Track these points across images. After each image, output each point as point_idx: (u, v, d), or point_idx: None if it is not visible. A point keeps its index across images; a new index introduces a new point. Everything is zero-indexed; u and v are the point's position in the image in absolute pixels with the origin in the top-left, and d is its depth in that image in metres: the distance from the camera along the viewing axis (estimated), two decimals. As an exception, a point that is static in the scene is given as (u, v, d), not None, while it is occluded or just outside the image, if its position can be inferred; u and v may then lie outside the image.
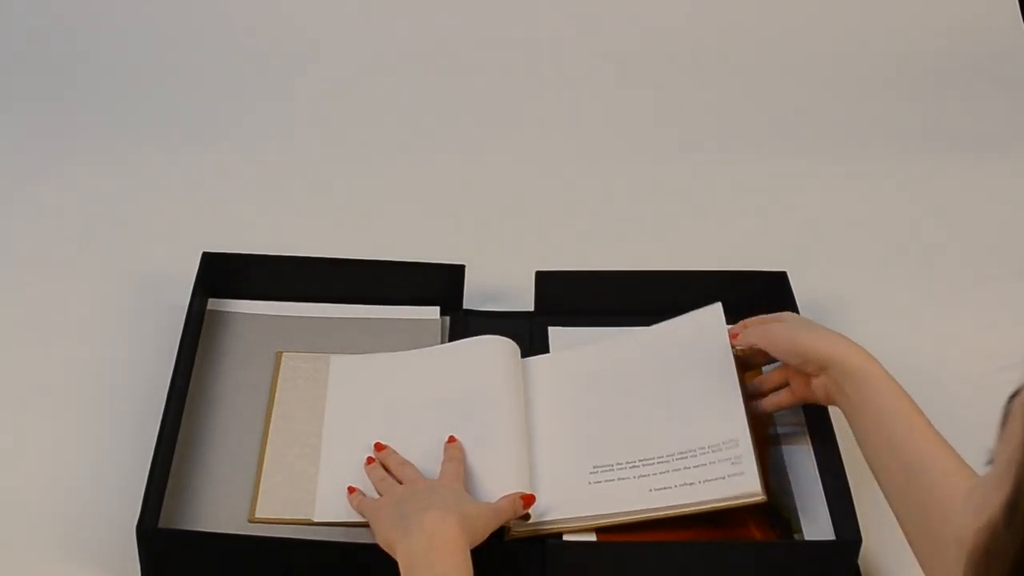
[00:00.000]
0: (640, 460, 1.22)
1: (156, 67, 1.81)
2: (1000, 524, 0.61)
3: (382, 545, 1.10)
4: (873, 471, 1.13)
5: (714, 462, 1.19)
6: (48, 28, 1.84)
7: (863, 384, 1.13)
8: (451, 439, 1.23)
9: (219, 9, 1.86)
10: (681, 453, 1.21)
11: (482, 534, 1.11)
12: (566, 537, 1.19)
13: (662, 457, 1.21)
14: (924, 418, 1.10)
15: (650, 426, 1.25)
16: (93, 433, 1.31)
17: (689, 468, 1.20)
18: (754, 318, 1.28)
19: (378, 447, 1.24)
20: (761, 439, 1.26)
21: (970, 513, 0.65)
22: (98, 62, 1.81)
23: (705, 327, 1.31)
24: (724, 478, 1.18)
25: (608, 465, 1.23)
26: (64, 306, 1.45)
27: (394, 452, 1.23)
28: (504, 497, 1.17)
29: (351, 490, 1.20)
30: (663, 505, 1.18)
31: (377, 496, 1.18)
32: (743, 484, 1.16)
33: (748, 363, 1.30)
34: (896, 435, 1.09)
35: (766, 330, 1.24)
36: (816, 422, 1.28)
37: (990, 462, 0.65)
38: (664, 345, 1.32)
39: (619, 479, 1.21)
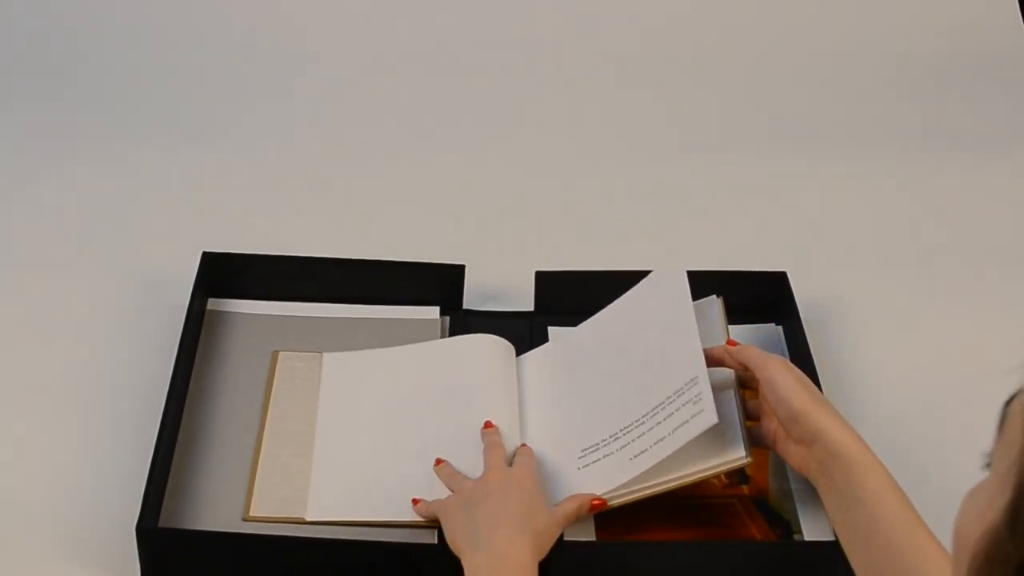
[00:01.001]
0: (620, 430, 1.21)
1: (156, 67, 1.81)
2: (1002, 530, 0.61)
3: (451, 547, 1.09)
4: (855, 561, 1.07)
5: (679, 408, 1.17)
6: (48, 28, 1.84)
7: (853, 472, 1.08)
8: (488, 424, 1.23)
9: (219, 9, 1.86)
10: (653, 410, 1.19)
11: (549, 544, 1.10)
12: (566, 537, 1.19)
13: (638, 420, 1.20)
14: (918, 515, 1.05)
15: (624, 395, 1.24)
16: (93, 433, 1.31)
17: (660, 423, 1.18)
18: (749, 347, 1.22)
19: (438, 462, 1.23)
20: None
21: (970, 518, 0.65)
22: (98, 62, 1.81)
23: (665, 285, 1.30)
24: (688, 420, 1.16)
25: (594, 445, 1.22)
26: (64, 306, 1.45)
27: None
28: (570, 500, 1.16)
29: (415, 501, 1.19)
30: (644, 469, 1.17)
31: (442, 495, 1.18)
32: (703, 420, 1.14)
33: (745, 384, 1.24)
34: (896, 536, 1.03)
35: (766, 362, 1.17)
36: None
37: (987, 465, 0.65)
38: (630, 313, 1.32)
39: (604, 456, 1.21)
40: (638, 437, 1.20)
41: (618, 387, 1.26)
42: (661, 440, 1.17)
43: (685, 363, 1.20)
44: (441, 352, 1.34)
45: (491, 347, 1.33)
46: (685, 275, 1.29)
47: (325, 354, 1.36)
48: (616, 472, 1.19)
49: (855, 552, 1.07)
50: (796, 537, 1.20)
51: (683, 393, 1.18)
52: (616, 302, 1.34)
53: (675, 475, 1.17)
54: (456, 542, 1.09)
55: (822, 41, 1.89)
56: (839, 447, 1.09)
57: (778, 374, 1.16)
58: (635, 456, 1.18)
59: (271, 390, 1.33)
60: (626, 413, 1.22)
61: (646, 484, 1.18)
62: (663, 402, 1.19)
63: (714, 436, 1.18)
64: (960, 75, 1.87)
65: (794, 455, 1.15)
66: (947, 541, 1.04)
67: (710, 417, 1.14)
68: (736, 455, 1.16)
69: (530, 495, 1.13)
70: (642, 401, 1.21)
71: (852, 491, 1.08)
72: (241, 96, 1.78)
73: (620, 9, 1.89)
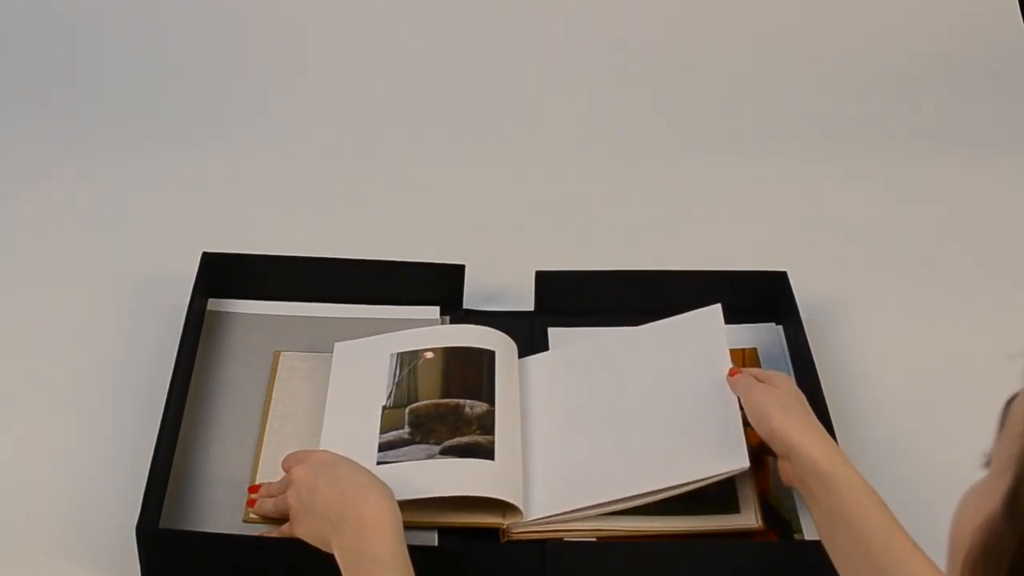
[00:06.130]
0: (649, 491, 1.19)
1: (156, 67, 1.81)
2: (1000, 518, 0.61)
3: (322, 547, 1.10)
4: (841, 570, 1.07)
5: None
6: (48, 28, 1.84)
7: (830, 486, 1.09)
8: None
9: (219, 9, 1.86)
10: (687, 483, 1.19)
11: (390, 490, 1.10)
12: (566, 538, 1.19)
13: (668, 488, 1.19)
14: (898, 524, 1.05)
15: (644, 450, 1.23)
16: (93, 433, 1.31)
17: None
18: (750, 370, 1.23)
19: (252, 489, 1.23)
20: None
21: (967, 513, 0.65)
22: (98, 62, 1.81)
23: (703, 330, 1.30)
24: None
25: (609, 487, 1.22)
26: (64, 306, 1.45)
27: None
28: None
29: (251, 503, 1.20)
30: (648, 489, 1.17)
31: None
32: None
33: None
34: (875, 546, 1.04)
35: (749, 390, 1.19)
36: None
37: (987, 464, 0.65)
38: (661, 346, 1.32)
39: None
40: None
41: (638, 434, 1.24)
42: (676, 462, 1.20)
43: (728, 455, 1.18)
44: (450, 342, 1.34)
45: (496, 346, 1.33)
46: (723, 324, 1.29)
47: (336, 344, 1.36)
48: (621, 481, 1.19)
49: (840, 561, 1.07)
50: (796, 537, 1.21)
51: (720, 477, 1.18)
52: (648, 326, 1.33)
53: (674, 483, 1.18)
54: (324, 538, 1.09)
55: (822, 41, 1.89)
56: (813, 461, 1.10)
57: (756, 399, 1.17)
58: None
59: (272, 391, 1.33)
60: (656, 478, 1.19)
61: (644, 492, 1.18)
62: (699, 479, 1.18)
63: (715, 442, 1.18)
64: (960, 75, 1.87)
65: (783, 469, 1.16)
66: (944, 543, 1.04)
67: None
68: (738, 462, 1.16)
69: (339, 463, 1.13)
70: (675, 474, 1.19)
71: (831, 503, 1.08)
72: (241, 96, 1.78)
73: (620, 9, 1.89)
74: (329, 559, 1.08)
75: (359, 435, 1.25)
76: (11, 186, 1.63)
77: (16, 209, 1.59)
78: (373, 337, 1.35)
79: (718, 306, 1.31)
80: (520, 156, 1.71)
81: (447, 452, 1.22)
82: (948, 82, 1.86)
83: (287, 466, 1.18)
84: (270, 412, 1.31)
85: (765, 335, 1.42)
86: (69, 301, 1.46)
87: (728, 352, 1.27)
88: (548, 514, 1.19)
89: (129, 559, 1.16)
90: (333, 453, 1.16)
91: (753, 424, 1.18)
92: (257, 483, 1.23)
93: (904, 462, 1.31)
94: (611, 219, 1.62)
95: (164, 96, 1.78)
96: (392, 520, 1.06)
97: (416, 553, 1.06)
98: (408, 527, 1.11)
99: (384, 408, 1.27)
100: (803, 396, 1.19)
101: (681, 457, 1.19)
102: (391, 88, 1.81)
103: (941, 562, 1.01)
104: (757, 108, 1.81)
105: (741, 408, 1.22)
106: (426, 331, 1.35)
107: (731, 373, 1.23)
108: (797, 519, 1.22)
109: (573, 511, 1.19)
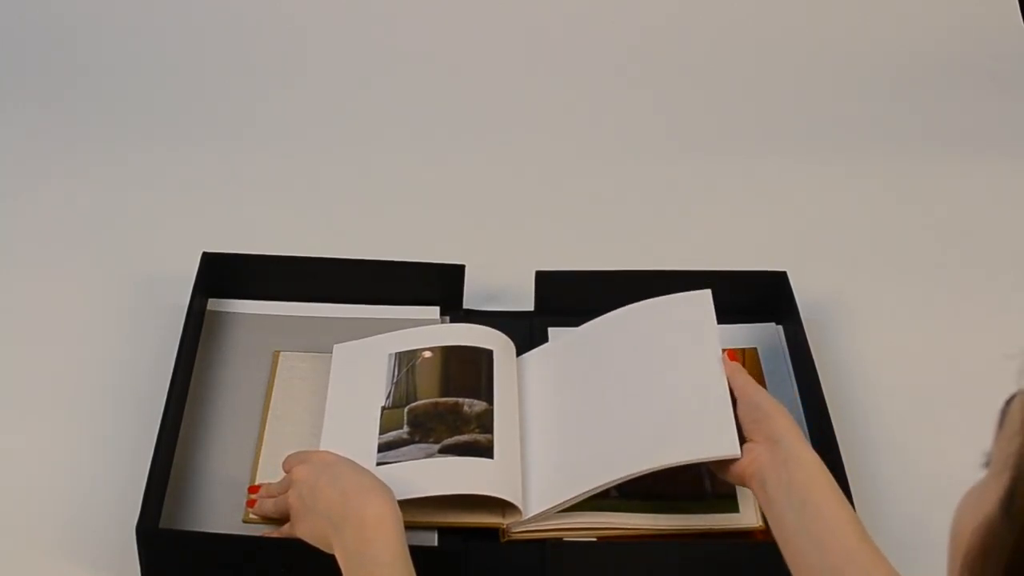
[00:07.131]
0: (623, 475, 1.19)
1: (156, 67, 1.81)
2: (997, 517, 0.62)
3: (322, 547, 1.10)
4: (798, 562, 1.06)
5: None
6: (48, 28, 1.84)
7: (812, 475, 1.09)
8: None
9: (219, 9, 1.86)
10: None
11: (390, 491, 1.10)
12: (566, 538, 1.19)
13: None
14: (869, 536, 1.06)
15: (637, 435, 1.22)
16: (93, 433, 1.31)
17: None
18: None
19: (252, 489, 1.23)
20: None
21: (966, 513, 0.65)
22: (98, 62, 1.81)
23: (693, 313, 1.29)
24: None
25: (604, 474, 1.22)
26: (64, 306, 1.46)
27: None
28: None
29: (251, 503, 1.21)
30: (638, 471, 1.17)
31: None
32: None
33: None
34: (848, 546, 1.04)
35: (747, 385, 1.18)
36: (818, 424, 1.28)
37: (986, 464, 0.65)
38: (651, 330, 1.31)
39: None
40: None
41: (628, 418, 1.24)
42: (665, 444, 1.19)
43: (720, 435, 1.17)
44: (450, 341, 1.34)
45: (493, 344, 1.32)
46: (712, 308, 1.28)
47: (335, 346, 1.35)
48: (612, 466, 1.19)
49: (801, 555, 1.06)
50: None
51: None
52: (636, 306, 1.33)
53: (666, 463, 1.17)
54: (325, 538, 1.09)
55: (821, 41, 1.89)
56: (800, 454, 1.10)
57: (753, 390, 1.17)
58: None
59: (271, 391, 1.33)
60: (648, 459, 1.19)
61: (637, 472, 1.18)
62: (690, 460, 1.17)
63: (707, 425, 1.18)
64: (960, 75, 1.87)
65: (747, 453, 1.14)
66: (942, 543, 1.04)
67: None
68: (728, 447, 1.16)
69: (341, 463, 1.13)
70: (667, 455, 1.18)
71: (810, 494, 1.08)
72: (241, 96, 1.78)
73: (620, 9, 1.89)
74: (329, 559, 1.08)
75: (359, 436, 1.25)
76: (11, 186, 1.63)
77: (16, 209, 1.59)
78: (372, 337, 1.35)
79: (708, 292, 1.29)
80: (520, 156, 1.72)
81: (446, 451, 1.22)
82: (948, 82, 1.86)
83: (288, 466, 1.18)
84: (270, 412, 1.31)
85: (765, 335, 1.42)
86: (69, 301, 1.46)
87: (717, 335, 1.25)
88: (545, 508, 1.19)
89: (129, 559, 1.16)
90: (334, 454, 1.16)
91: (742, 409, 1.16)
92: (257, 483, 1.23)
93: (904, 462, 1.31)
94: (611, 219, 1.62)
95: (164, 96, 1.78)
96: (393, 521, 1.06)
97: (416, 553, 1.06)
98: (408, 527, 1.11)
99: (383, 408, 1.27)
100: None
101: (674, 438, 1.18)
102: (391, 88, 1.81)
103: (940, 563, 1.02)
104: (757, 108, 1.81)
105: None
106: (424, 330, 1.35)
107: (730, 356, 1.23)
108: (797, 519, 1.21)
109: (569, 500, 1.19)
